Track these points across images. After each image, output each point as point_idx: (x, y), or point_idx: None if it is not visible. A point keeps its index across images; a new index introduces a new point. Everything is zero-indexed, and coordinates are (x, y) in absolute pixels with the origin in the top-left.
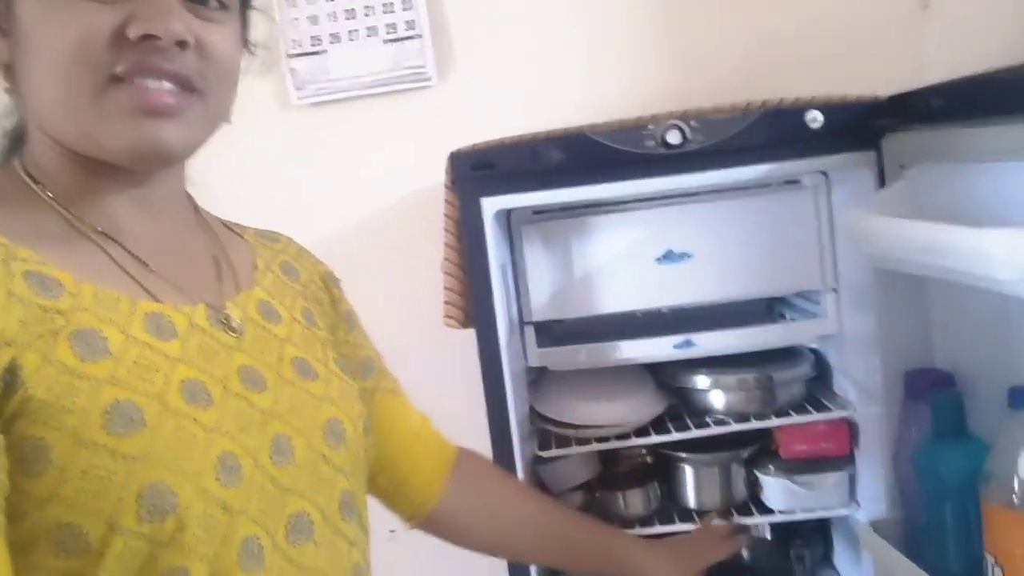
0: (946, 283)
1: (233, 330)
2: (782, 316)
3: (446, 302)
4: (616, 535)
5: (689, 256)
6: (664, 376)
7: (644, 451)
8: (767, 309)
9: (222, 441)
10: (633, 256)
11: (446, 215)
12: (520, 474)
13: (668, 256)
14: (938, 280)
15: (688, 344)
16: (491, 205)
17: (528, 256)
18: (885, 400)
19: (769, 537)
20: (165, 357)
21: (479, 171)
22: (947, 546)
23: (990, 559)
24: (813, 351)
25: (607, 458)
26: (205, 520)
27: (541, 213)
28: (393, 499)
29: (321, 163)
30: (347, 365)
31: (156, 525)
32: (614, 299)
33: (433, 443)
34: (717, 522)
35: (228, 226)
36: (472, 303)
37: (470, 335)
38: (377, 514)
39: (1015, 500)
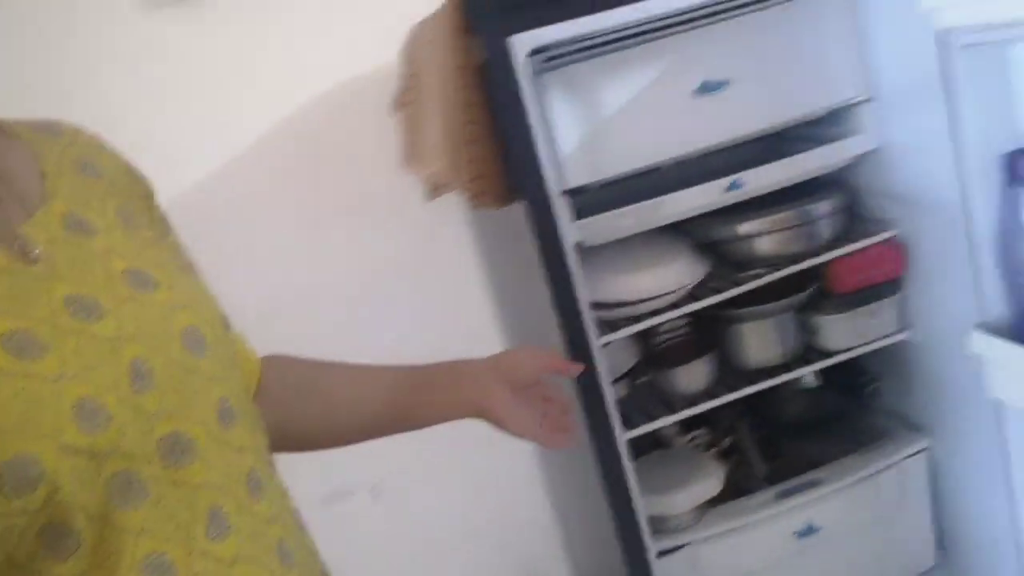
0: None
1: (35, 259)
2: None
3: (474, 178)
4: (428, 368)
5: (726, 84)
6: (699, 235)
7: (684, 323)
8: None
9: (72, 387)
10: (668, 93)
11: (459, 67)
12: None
13: (705, 87)
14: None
15: (737, 185)
16: (524, 44)
17: (554, 110)
18: (960, 194)
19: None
20: None
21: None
22: None
23: None
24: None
25: (645, 339)
26: (76, 474)
27: (556, 59)
28: None
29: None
30: None
31: (28, 497)
32: (654, 147)
33: (246, 362)
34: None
35: None
36: (512, 172)
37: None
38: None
39: None
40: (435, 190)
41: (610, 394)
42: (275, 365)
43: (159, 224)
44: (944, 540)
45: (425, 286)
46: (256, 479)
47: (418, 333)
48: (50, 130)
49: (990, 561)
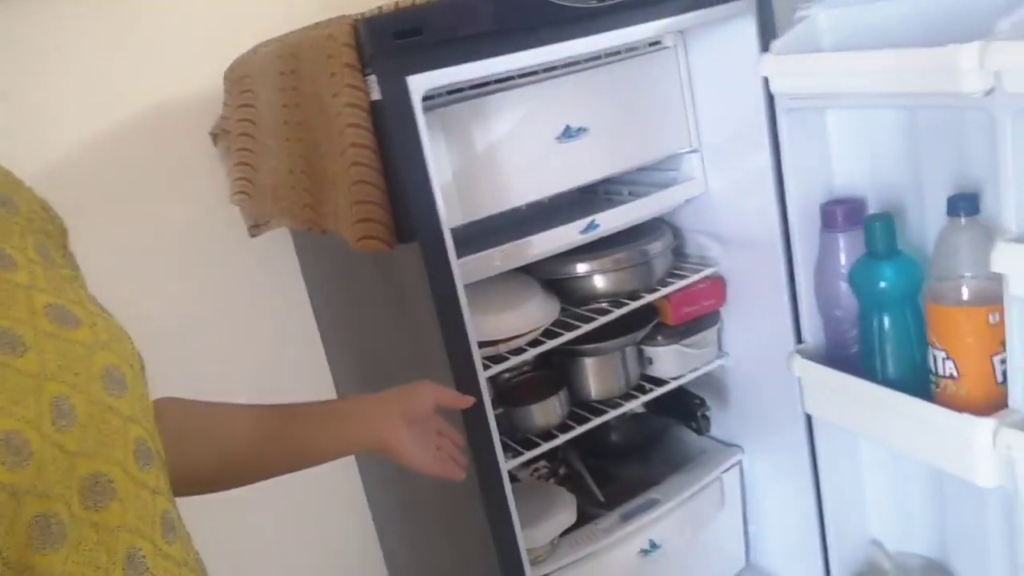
0: (847, 116)
1: None
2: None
3: (363, 219)
4: (322, 405)
5: (586, 130)
6: (542, 274)
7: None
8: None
9: None
10: (535, 137)
11: (350, 105)
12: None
13: (567, 133)
14: (838, 115)
15: (593, 226)
16: (419, 85)
17: (432, 152)
18: (782, 237)
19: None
20: None
21: (404, 39)
22: (891, 354)
23: (940, 354)
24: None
25: (495, 375)
26: None
27: (432, 99)
28: None
29: None
30: None
31: None
32: (522, 188)
33: None
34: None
35: None
36: (405, 213)
37: None
38: None
39: (962, 296)
40: (258, 227)
41: (495, 428)
42: (168, 406)
43: (72, 263)
44: (750, 544)
45: (253, 322)
46: (170, 521)
47: (247, 370)
48: None
49: (794, 559)
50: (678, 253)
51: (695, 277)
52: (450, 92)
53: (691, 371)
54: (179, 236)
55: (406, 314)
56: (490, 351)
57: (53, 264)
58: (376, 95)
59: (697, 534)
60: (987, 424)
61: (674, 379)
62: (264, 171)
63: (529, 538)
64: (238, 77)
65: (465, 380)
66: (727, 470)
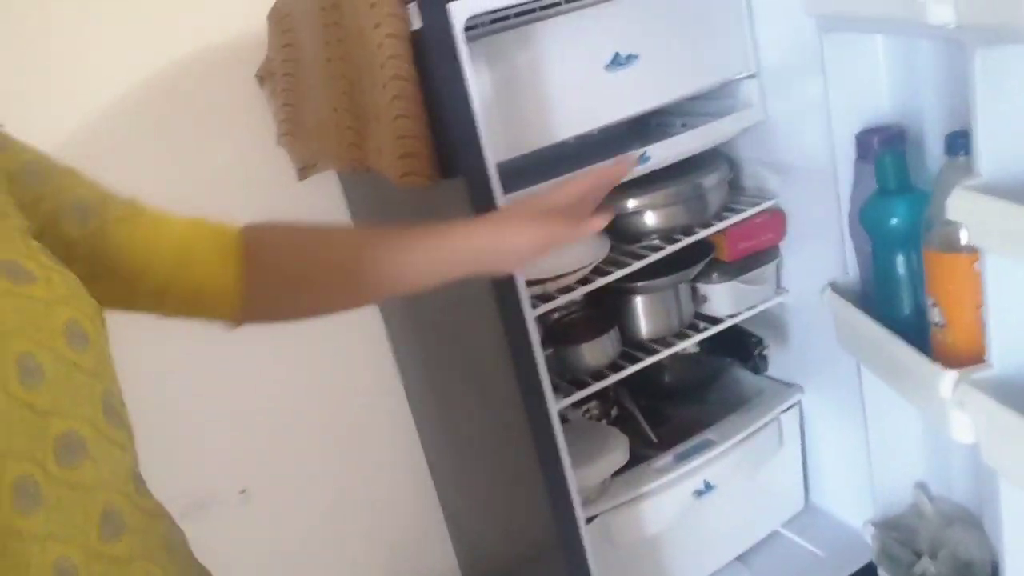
0: (894, 39)
1: None
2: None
3: (405, 155)
4: (440, 229)
5: (635, 58)
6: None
7: (578, 300)
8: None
9: None
10: (582, 66)
11: (390, 35)
12: None
13: (616, 61)
14: (887, 38)
15: (645, 159)
16: (461, 12)
17: (476, 84)
18: (833, 167)
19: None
20: None
21: None
22: (897, 296)
23: (930, 300)
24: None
25: (544, 314)
26: None
27: (471, 29)
28: (195, 315)
29: None
30: (57, 231)
31: None
32: (570, 120)
33: (209, 242)
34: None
35: None
36: (449, 147)
37: None
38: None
39: (949, 242)
40: (305, 170)
41: (544, 367)
42: (263, 231)
43: (26, 177)
44: (809, 485)
45: None
46: (138, 475)
47: None
48: None
49: (851, 501)
50: (735, 186)
51: (753, 211)
52: (494, 20)
53: (748, 309)
54: (229, 181)
55: None
56: (537, 290)
57: (2, 215)
58: (417, 24)
59: (754, 475)
60: (950, 377)
61: (730, 317)
62: (308, 111)
63: (580, 478)
64: (281, 16)
65: (512, 320)
66: (786, 410)
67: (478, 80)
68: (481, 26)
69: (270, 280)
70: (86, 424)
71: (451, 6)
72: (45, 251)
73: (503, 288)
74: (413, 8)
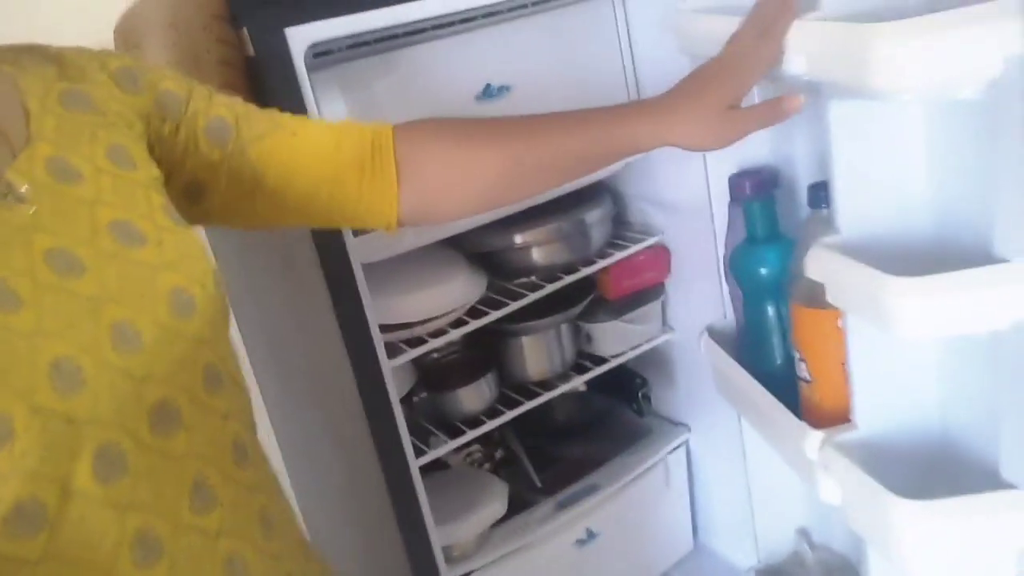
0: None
1: (21, 201)
2: None
3: None
4: (608, 116)
5: (508, 89)
6: (472, 247)
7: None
8: None
9: (49, 345)
10: (452, 97)
11: (222, 63)
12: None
13: (487, 92)
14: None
15: None
16: (302, 38)
17: (327, 114)
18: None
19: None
20: None
21: None
22: (768, 345)
23: (797, 354)
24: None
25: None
26: (45, 438)
27: (324, 55)
28: (357, 224)
29: None
30: (199, 155)
31: None
32: None
33: (360, 147)
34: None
35: None
36: None
37: None
38: None
39: (812, 297)
40: None
41: (402, 421)
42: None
43: (163, 104)
44: (698, 525)
45: None
46: (241, 446)
47: None
48: (36, 53)
49: (737, 544)
50: (620, 221)
51: (636, 247)
52: (352, 46)
53: (633, 348)
54: None
55: (302, 298)
56: (405, 334)
57: (128, 168)
58: (251, 51)
59: (640, 519)
60: (815, 437)
61: (615, 356)
62: None
63: (452, 534)
64: (126, 30)
65: (368, 371)
66: (672, 451)
67: (331, 110)
68: (337, 51)
69: (428, 179)
70: (183, 393)
71: (289, 31)
72: (167, 208)
73: (356, 335)
74: (247, 34)
